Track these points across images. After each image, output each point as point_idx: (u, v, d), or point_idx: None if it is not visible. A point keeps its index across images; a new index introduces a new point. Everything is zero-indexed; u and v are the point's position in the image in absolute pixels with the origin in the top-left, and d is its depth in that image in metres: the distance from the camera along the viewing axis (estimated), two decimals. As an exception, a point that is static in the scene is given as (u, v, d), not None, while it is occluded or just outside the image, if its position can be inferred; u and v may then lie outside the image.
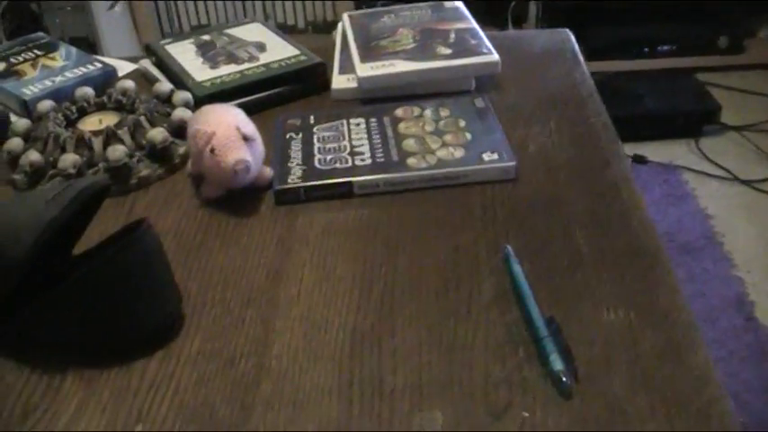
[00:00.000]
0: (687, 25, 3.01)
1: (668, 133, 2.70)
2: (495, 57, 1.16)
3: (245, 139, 0.94)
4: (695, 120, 2.71)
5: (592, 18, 3.03)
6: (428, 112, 1.09)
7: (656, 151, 2.62)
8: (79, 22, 2.98)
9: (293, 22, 3.23)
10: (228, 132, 0.93)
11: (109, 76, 1.26)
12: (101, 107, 1.12)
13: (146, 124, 1.07)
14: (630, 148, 2.64)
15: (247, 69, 1.20)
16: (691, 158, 2.61)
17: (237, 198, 0.97)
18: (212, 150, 0.93)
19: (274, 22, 3.21)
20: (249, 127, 0.95)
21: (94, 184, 0.78)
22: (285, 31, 3.17)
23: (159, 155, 1.04)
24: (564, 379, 0.70)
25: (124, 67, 1.34)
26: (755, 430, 1.73)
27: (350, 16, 1.35)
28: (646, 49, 3.00)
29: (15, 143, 1.05)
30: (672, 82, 2.83)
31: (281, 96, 1.19)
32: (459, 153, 0.99)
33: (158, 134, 1.03)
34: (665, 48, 2.99)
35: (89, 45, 2.92)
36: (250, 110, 1.07)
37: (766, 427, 1.74)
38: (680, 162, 2.59)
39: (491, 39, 1.23)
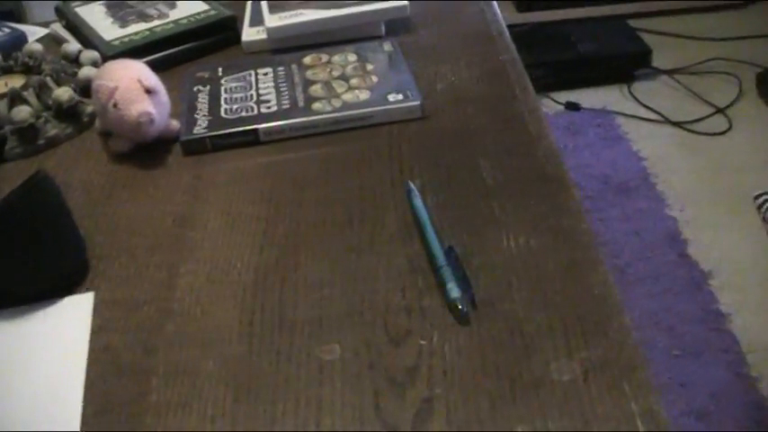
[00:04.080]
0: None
1: (601, 79, 2.72)
2: (404, 1, 1.16)
3: (148, 91, 0.93)
4: (627, 64, 2.73)
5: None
6: (336, 58, 1.09)
7: (589, 98, 2.64)
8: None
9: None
10: (130, 85, 0.93)
11: (17, 40, 1.25)
12: (7, 71, 1.11)
13: (52, 84, 1.06)
14: (564, 96, 2.66)
15: (156, 26, 1.20)
16: (623, 103, 2.64)
17: (145, 151, 0.97)
18: (115, 105, 0.93)
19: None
20: (152, 79, 0.95)
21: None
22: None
23: (67, 114, 1.04)
24: (460, 306, 0.72)
25: (36, 32, 1.32)
26: (691, 358, 1.77)
27: (262, -31, 1.34)
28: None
29: None
30: (603, 27, 2.85)
31: (192, 51, 1.18)
32: (364, 95, 0.99)
33: (64, 93, 1.02)
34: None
35: (13, 16, 2.85)
36: (160, 66, 1.06)
37: (701, 354, 1.78)
38: (613, 107, 2.61)
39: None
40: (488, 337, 0.70)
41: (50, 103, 1.04)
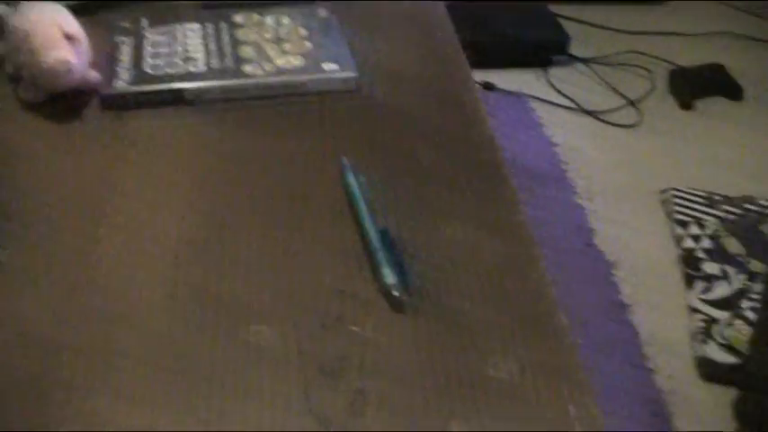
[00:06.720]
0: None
1: (518, 62, 2.72)
2: (341, -34, 1.11)
3: (68, 38, 0.87)
4: (544, 49, 2.73)
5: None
6: (268, 20, 1.03)
7: (505, 79, 2.63)
8: None
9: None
10: (49, 30, 0.86)
11: None
12: None
13: (-41, 21, 0.98)
14: (480, 75, 2.64)
15: (76, -32, 1.12)
16: (539, 87, 2.64)
17: (60, 102, 0.90)
18: (30, 49, 0.86)
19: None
20: (73, 26, 0.89)
21: None
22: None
23: (-28, 55, 0.96)
24: (395, 293, 0.68)
25: (-59, -37, 1.23)
26: (591, 348, 1.78)
27: None
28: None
29: None
30: (524, 10, 2.84)
31: (113, -2, 1.11)
32: (298, 62, 0.95)
33: (-28, 31, 0.95)
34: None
35: None
36: (79, 12, 0.99)
37: (601, 344, 1.79)
38: (528, 91, 2.61)
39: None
40: (424, 328, 0.67)
41: (-45, 41, 0.96)
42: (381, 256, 0.71)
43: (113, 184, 0.80)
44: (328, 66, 0.94)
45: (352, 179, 0.79)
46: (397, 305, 0.68)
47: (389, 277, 0.69)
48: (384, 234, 0.73)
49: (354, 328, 0.66)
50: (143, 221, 0.75)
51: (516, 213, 0.80)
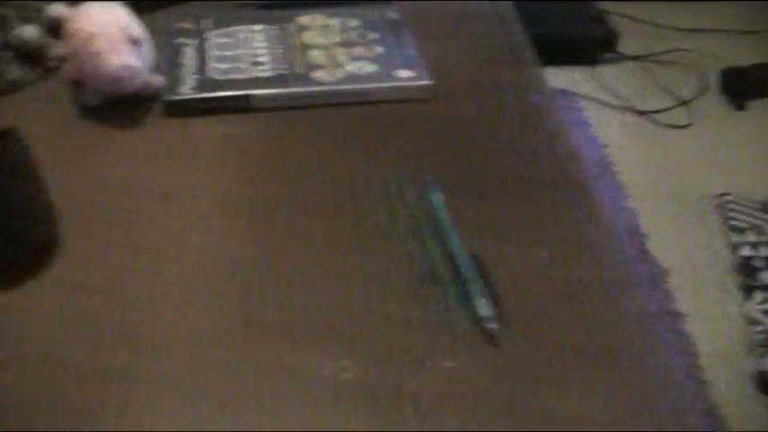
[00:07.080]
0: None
1: (566, 60, 2.65)
2: (409, -35, 1.06)
3: (132, 41, 0.82)
4: (593, 47, 2.66)
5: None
6: (335, 22, 0.98)
7: (553, 77, 2.56)
8: None
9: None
10: (113, 33, 0.82)
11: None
12: (-37, 0, 0.99)
13: (15, 20, 0.93)
14: (528, 73, 2.58)
15: (133, -35, 1.08)
16: (587, 86, 2.57)
17: (122, 107, 0.86)
18: (93, 53, 0.81)
19: None
20: (136, 28, 0.84)
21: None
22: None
23: (31, 56, 0.92)
24: (492, 326, 0.63)
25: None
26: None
27: None
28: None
29: None
30: (571, 8, 2.77)
31: (170, -4, 1.07)
32: (370, 68, 0.90)
33: (29, 31, 0.91)
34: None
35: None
36: (137, 10, 0.95)
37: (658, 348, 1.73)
38: (576, 89, 2.55)
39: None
40: (521, 362, 0.62)
41: (11, 41, 0.92)
42: (474, 285, 0.66)
43: (179, 199, 0.75)
44: (402, 72, 0.89)
45: (437, 199, 0.74)
46: (493, 339, 0.63)
47: (484, 309, 0.64)
48: (475, 259, 0.68)
49: (450, 364, 0.62)
50: (213, 241, 0.71)
51: (607, 236, 0.75)
